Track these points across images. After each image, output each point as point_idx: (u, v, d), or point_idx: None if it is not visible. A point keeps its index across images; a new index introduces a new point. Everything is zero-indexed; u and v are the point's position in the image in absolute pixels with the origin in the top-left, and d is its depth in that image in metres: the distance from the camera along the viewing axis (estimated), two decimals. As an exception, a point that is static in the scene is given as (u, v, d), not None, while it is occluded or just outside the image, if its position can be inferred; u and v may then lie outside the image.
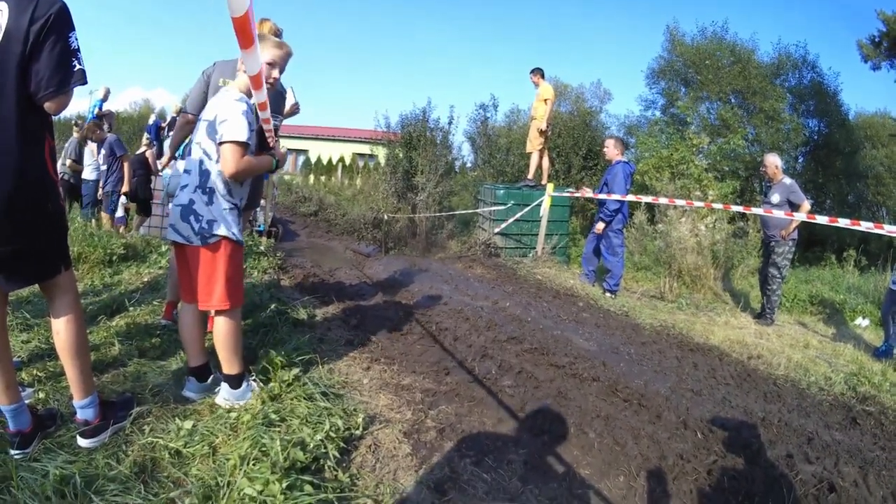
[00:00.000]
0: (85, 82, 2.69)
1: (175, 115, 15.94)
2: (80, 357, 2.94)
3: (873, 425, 4.84)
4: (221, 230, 3.46)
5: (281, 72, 3.80)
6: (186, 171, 3.57)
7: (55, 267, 2.85)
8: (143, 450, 2.97)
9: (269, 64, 3.60)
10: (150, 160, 11.57)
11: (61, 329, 2.88)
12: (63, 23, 2.60)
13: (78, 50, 2.67)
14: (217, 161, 3.45)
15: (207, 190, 3.46)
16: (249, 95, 3.54)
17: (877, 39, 21.63)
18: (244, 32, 2.38)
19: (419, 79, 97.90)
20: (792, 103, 24.75)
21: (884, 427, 4.81)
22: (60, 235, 2.91)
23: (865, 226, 6.98)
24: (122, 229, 10.34)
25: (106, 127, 11.17)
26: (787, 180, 8.68)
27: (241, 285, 3.72)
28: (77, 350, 2.92)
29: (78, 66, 2.66)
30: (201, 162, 3.48)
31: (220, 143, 3.38)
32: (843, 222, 7.07)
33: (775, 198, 8.62)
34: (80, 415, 2.99)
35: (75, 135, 11.66)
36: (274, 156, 3.89)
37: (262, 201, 11.35)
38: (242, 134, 3.34)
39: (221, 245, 3.49)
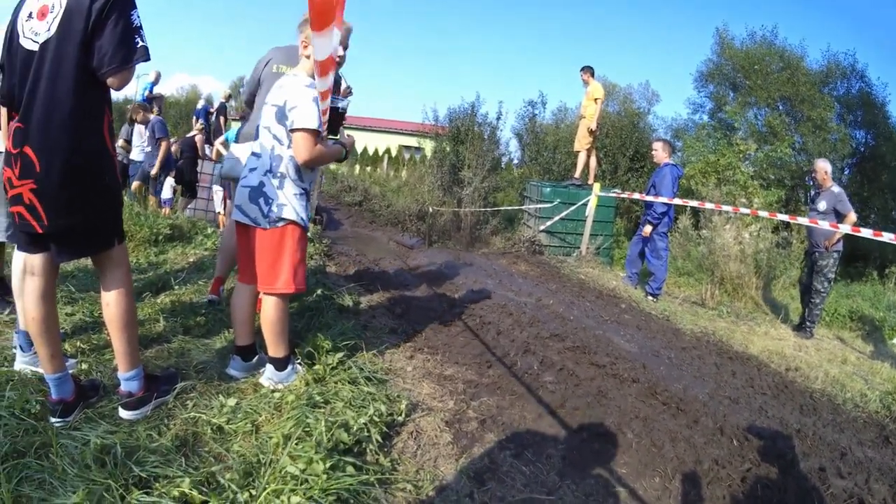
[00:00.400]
0: (148, 58, 2.72)
1: (224, 100, 16.13)
2: (128, 329, 2.98)
3: (905, 445, 4.78)
4: (290, 214, 3.48)
5: (345, 49, 3.80)
6: (256, 155, 3.60)
7: (109, 240, 2.88)
8: (186, 424, 3.00)
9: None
10: (198, 144, 11.72)
11: (112, 301, 2.91)
12: (125, 1, 2.63)
13: (140, 27, 2.70)
14: (288, 146, 3.46)
15: (278, 174, 3.48)
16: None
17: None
18: (324, 14, 2.37)
19: (468, 74, 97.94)
20: (840, 113, 24.24)
21: (915, 449, 4.74)
22: (115, 209, 2.94)
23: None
24: (167, 210, 10.48)
25: (155, 110, 11.32)
26: (836, 188, 8.53)
27: (304, 270, 3.74)
28: (126, 322, 2.95)
29: (141, 43, 2.68)
30: (273, 147, 3.50)
31: (293, 131, 3.38)
32: (888, 236, 6.92)
33: (822, 205, 8.48)
34: (125, 386, 3.02)
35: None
36: (344, 145, 3.89)
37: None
38: (314, 121, 3.34)
39: (289, 229, 3.51)
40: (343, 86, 5.25)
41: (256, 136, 3.66)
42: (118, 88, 2.73)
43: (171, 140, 11.51)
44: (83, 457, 2.48)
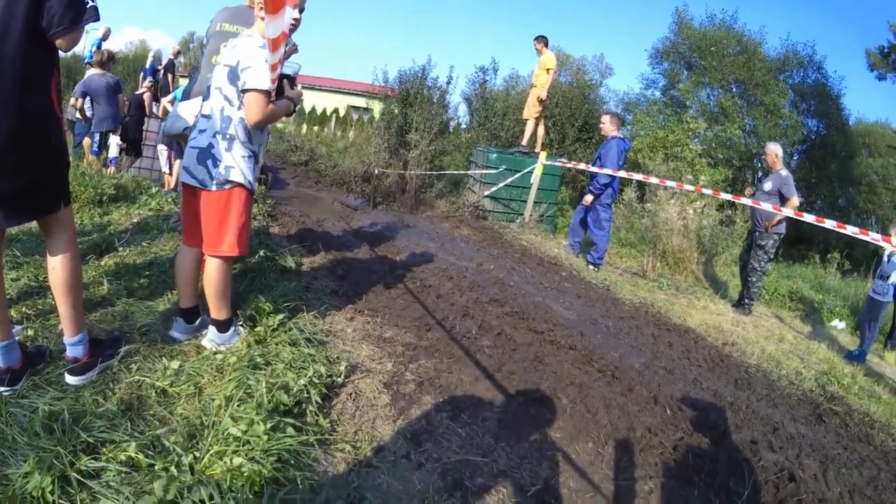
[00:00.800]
0: (98, 19, 2.69)
1: (172, 57, 15.78)
2: (74, 294, 2.97)
3: (838, 424, 4.95)
4: (237, 176, 3.49)
5: (301, 11, 3.77)
6: (205, 116, 3.56)
7: (55, 203, 2.85)
8: (130, 388, 3.02)
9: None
10: (146, 101, 11.49)
11: (57, 265, 2.89)
12: None
13: None
14: (239, 108, 3.45)
15: (228, 136, 3.47)
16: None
17: (886, 50, 21.77)
18: (276, 3, 2.40)
19: (420, 36, 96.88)
20: (793, 100, 24.77)
21: (848, 427, 4.92)
22: (62, 171, 2.91)
23: (851, 230, 7.05)
24: (112, 170, 10.28)
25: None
26: (784, 172, 8.71)
27: (248, 233, 3.75)
28: (71, 287, 2.94)
29: (90, 3, 2.65)
30: (222, 108, 3.47)
31: (244, 91, 3.36)
32: (830, 223, 7.13)
33: (768, 185, 8.70)
34: (70, 352, 3.02)
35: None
36: (292, 98, 3.86)
37: None
38: (266, 82, 3.32)
39: (235, 191, 3.52)
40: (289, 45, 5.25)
41: (207, 96, 3.62)
42: (67, 49, 2.70)
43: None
44: (32, 424, 2.49)
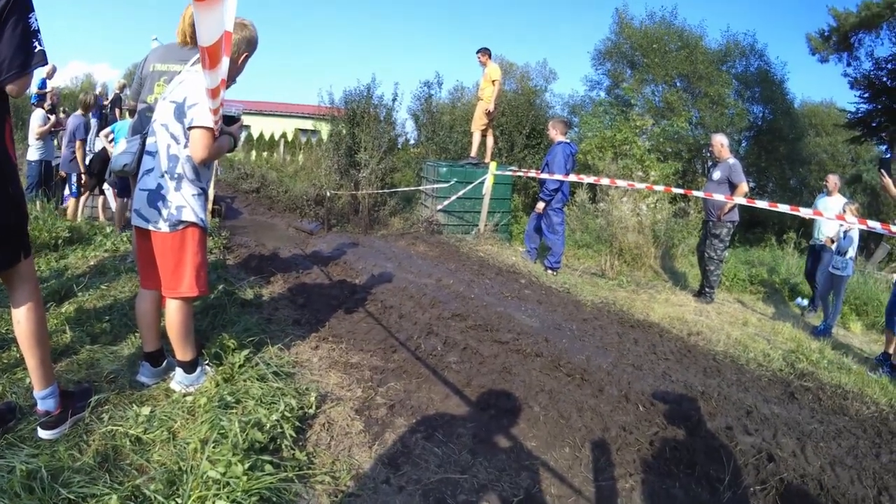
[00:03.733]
0: (45, 63, 2.67)
1: (118, 91, 15.59)
2: (41, 346, 2.93)
3: (811, 400, 5.09)
4: (189, 216, 3.45)
5: (249, 56, 3.75)
6: (150, 154, 3.52)
7: (15, 255, 2.80)
8: (104, 438, 3.00)
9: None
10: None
11: (22, 318, 2.85)
12: (23, 4, 2.56)
13: (38, 31, 2.64)
14: (185, 145, 3.41)
15: (176, 175, 3.42)
16: None
17: (826, 34, 22.39)
18: (211, 57, 2.42)
19: (363, 55, 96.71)
20: (738, 89, 25.52)
21: (821, 402, 5.07)
22: (21, 221, 2.85)
23: (805, 212, 7.24)
24: (70, 206, 10.17)
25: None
26: (732, 160, 8.95)
27: (206, 271, 3.72)
28: (38, 339, 2.90)
29: (39, 48, 2.63)
30: (168, 146, 3.43)
31: (191, 128, 3.32)
32: (783, 208, 7.30)
33: (717, 175, 8.92)
34: (41, 405, 2.99)
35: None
36: (232, 134, 3.79)
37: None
38: (212, 119, 3.29)
39: (189, 231, 3.49)
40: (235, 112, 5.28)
41: (151, 132, 3.58)
42: (17, 95, 2.68)
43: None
44: (11, 485, 2.47)
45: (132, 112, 5.15)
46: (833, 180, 10.08)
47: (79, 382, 3.59)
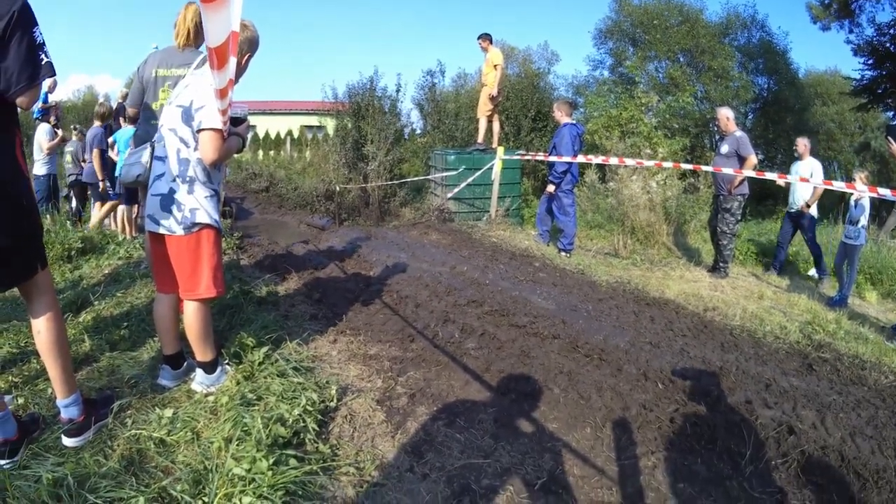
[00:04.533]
0: (53, 74, 2.69)
1: (121, 101, 15.63)
2: (62, 355, 2.94)
3: (829, 371, 5.04)
4: (203, 218, 3.47)
5: (252, 55, 3.75)
6: (159, 159, 3.54)
7: (31, 267, 2.82)
8: (129, 442, 3.01)
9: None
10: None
11: (42, 329, 2.87)
12: (26, 19, 2.58)
13: (44, 43, 2.66)
14: (195, 149, 3.42)
15: (187, 179, 3.44)
16: None
17: (827, 1, 22.11)
18: (219, 57, 2.42)
19: (364, 48, 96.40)
20: (741, 61, 25.37)
21: (839, 372, 5.02)
22: (36, 233, 2.87)
23: (815, 182, 7.18)
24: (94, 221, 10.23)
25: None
26: (739, 133, 8.90)
27: (222, 272, 3.75)
28: (59, 348, 2.92)
29: (46, 59, 2.65)
30: (178, 150, 3.44)
31: (199, 131, 3.33)
32: (793, 179, 7.26)
33: (724, 148, 8.88)
34: (65, 413, 3.02)
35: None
36: (240, 135, 3.79)
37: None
38: (221, 120, 3.29)
39: (204, 233, 3.51)
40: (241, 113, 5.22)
41: (160, 138, 3.59)
42: (27, 107, 2.71)
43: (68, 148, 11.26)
44: (38, 495, 2.48)
45: (133, 120, 5.11)
46: (803, 143, 10.09)
47: (101, 389, 3.60)
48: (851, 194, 8.39)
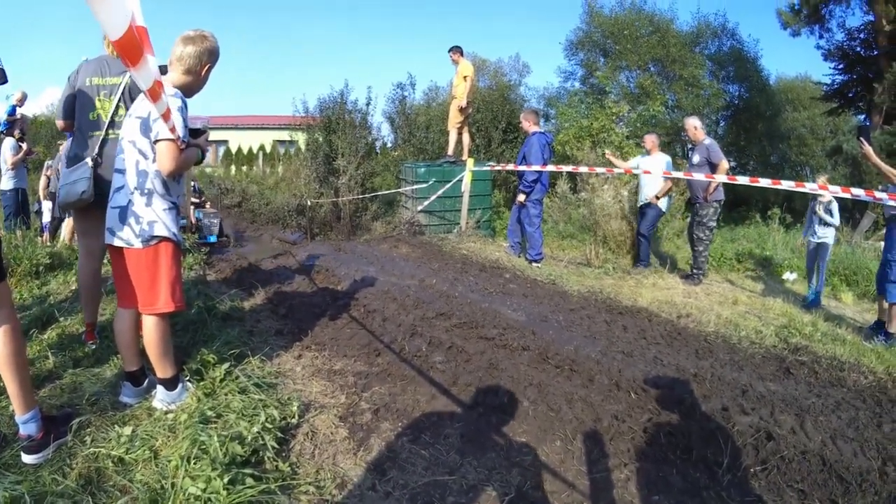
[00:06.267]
0: (5, 81, 2.57)
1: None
2: (21, 370, 2.90)
3: (807, 374, 5.08)
4: (162, 230, 3.45)
5: (210, 67, 3.70)
6: (120, 171, 3.52)
7: None
8: (87, 461, 2.97)
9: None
10: None
11: (0, 343, 2.82)
12: None
13: None
14: (153, 160, 3.40)
15: (146, 191, 3.43)
16: (185, 91, 3.54)
17: (796, 7, 22.49)
18: (128, 52, 2.33)
19: (335, 61, 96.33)
20: (712, 70, 25.75)
21: (818, 375, 5.06)
22: None
23: (787, 185, 7.24)
24: (46, 237, 10.11)
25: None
26: (707, 140, 9.07)
27: (181, 286, 3.71)
28: (17, 363, 2.87)
29: None
30: (137, 162, 3.43)
31: (157, 141, 3.31)
32: (764, 182, 7.31)
33: (696, 158, 9.03)
34: (23, 430, 2.97)
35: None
36: (199, 145, 3.78)
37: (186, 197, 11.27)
38: (178, 130, 3.27)
39: (162, 246, 3.49)
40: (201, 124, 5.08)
41: (120, 151, 3.56)
42: None
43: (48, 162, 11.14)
44: (-4, 512, 2.43)
45: (65, 131, 4.89)
46: (651, 139, 10.39)
47: (62, 407, 3.56)
48: (816, 196, 8.55)
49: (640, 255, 10.22)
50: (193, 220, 12.47)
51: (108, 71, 4.53)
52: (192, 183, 14.17)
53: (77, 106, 4.52)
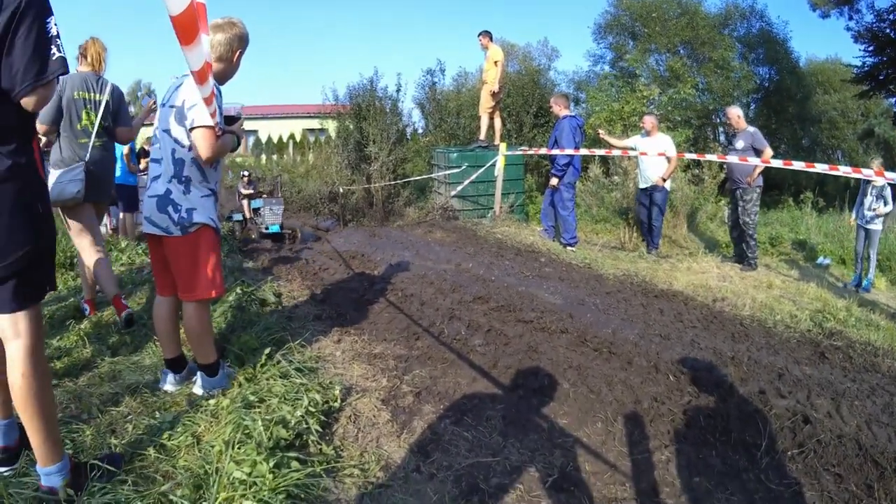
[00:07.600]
0: (66, 71, 2.36)
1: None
2: (44, 416, 2.46)
3: (842, 359, 4.97)
4: (201, 217, 3.46)
5: (241, 53, 3.68)
6: (156, 161, 3.54)
7: (40, 288, 2.52)
8: (130, 447, 2.97)
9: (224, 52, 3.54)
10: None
11: (16, 380, 2.43)
12: (38, 7, 2.24)
13: (57, 36, 2.33)
14: (189, 148, 3.41)
15: (184, 179, 3.44)
16: (218, 78, 3.52)
17: (826, -13, 22.02)
18: (184, 30, 2.28)
19: (364, 49, 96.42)
20: (741, 52, 25.32)
21: (852, 360, 4.95)
22: (50, 246, 2.53)
23: (820, 167, 7.11)
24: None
25: None
26: (751, 128, 9.01)
27: (221, 272, 3.71)
28: (40, 408, 2.44)
29: (57, 54, 2.31)
30: (173, 151, 3.43)
31: (192, 128, 3.31)
32: (798, 165, 7.22)
33: (739, 144, 8.93)
34: (45, 482, 2.53)
35: None
36: (234, 132, 3.78)
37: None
38: (212, 117, 3.26)
39: (201, 233, 3.49)
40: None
41: (156, 141, 3.58)
42: (36, 109, 2.34)
43: None
44: (36, 501, 2.44)
45: (45, 135, 4.95)
46: (650, 120, 10.17)
47: (109, 451, 3.03)
48: (869, 182, 8.43)
49: (654, 240, 10.09)
50: (249, 214, 12.48)
51: (93, 88, 4.94)
52: (244, 173, 14.17)
53: (65, 115, 4.83)
